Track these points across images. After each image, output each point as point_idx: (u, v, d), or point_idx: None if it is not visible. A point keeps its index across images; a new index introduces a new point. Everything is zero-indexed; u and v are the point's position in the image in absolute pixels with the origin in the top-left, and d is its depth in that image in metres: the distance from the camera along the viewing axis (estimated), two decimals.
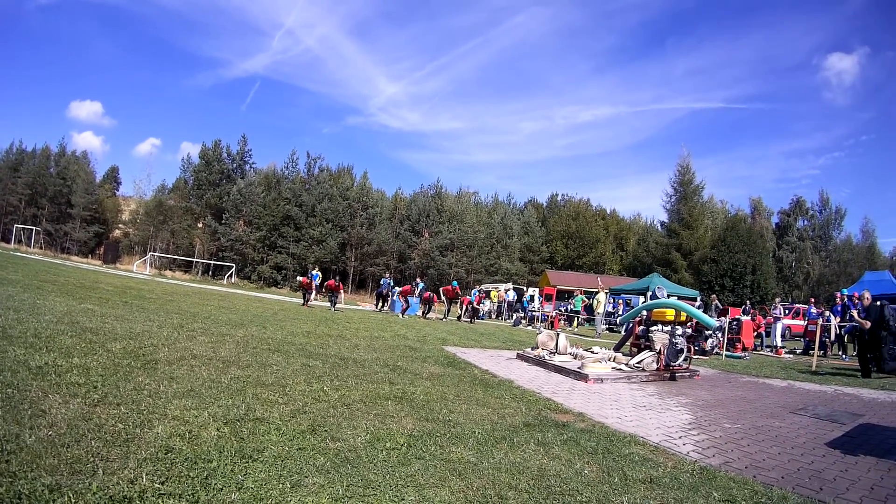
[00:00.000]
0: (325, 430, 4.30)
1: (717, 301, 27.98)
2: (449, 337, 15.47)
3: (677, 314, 11.40)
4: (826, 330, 20.46)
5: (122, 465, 3.09)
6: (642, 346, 11.46)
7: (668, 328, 11.27)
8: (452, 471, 3.95)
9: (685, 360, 11.28)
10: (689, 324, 11.60)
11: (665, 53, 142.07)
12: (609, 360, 11.20)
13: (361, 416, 4.99)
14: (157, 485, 2.95)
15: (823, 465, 5.50)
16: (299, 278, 17.34)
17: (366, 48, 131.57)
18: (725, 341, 18.43)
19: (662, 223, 71.75)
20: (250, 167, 64.92)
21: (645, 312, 12.30)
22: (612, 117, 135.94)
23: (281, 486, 3.06)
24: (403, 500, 3.28)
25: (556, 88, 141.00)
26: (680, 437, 6.18)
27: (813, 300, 30.65)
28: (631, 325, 13.11)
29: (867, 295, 13.41)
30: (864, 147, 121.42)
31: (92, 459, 3.10)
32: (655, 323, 11.60)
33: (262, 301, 23.45)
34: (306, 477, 3.24)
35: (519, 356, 12.01)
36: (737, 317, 22.92)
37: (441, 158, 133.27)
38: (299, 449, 3.74)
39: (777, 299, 28.50)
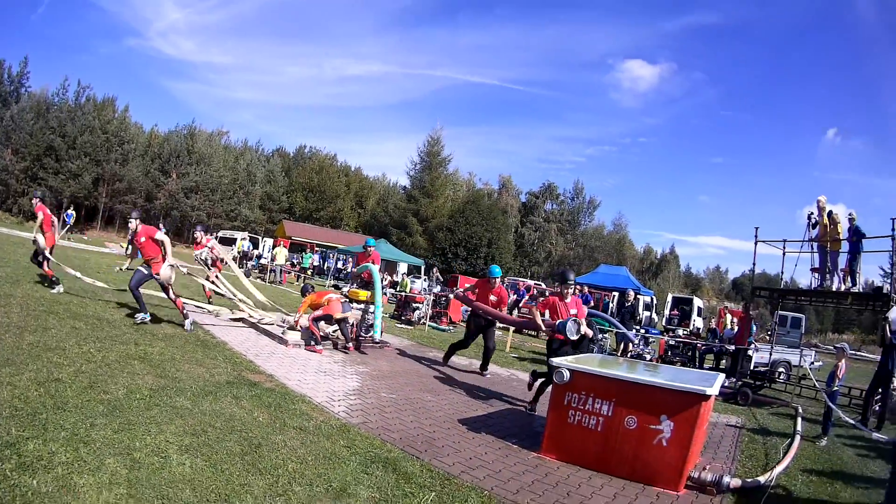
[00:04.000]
0: (99, 386, 6.08)
1: (437, 273, 31.05)
2: (183, 290, 16.17)
3: (371, 296, 13.02)
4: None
5: None
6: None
7: (363, 306, 13.08)
8: (177, 414, 5.71)
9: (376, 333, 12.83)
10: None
11: (455, 25, 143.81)
12: None
13: (119, 373, 6.77)
14: (22, 433, 4.50)
15: (443, 435, 6.88)
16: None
17: None
18: (430, 313, 20.45)
19: (404, 188, 74.33)
20: (25, 90, 61.17)
21: (345, 289, 14.31)
22: (383, 75, 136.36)
23: (85, 424, 4.90)
24: (150, 432, 5.04)
25: (334, 39, 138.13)
26: (339, 401, 7.69)
27: (522, 283, 34.59)
28: None
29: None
30: (640, 147, 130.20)
31: None
32: (352, 300, 13.13)
33: (25, 244, 23.05)
34: (97, 419, 5.08)
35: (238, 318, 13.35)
36: (452, 291, 25.75)
37: (206, 91, 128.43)
38: (87, 401, 5.54)
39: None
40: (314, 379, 8.91)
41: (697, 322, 35.78)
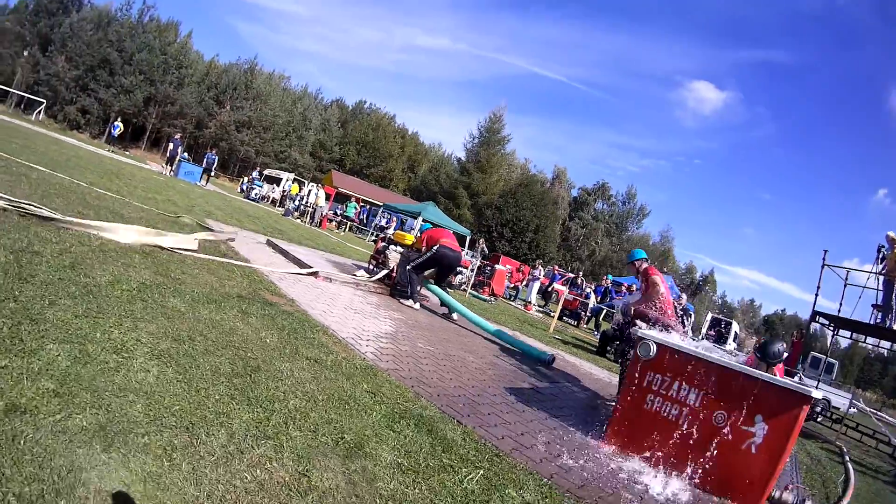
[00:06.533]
0: (81, 268, 5.05)
1: (484, 245, 30.19)
2: (216, 211, 16.14)
3: (416, 242, 12.10)
4: (584, 306, 22.72)
5: None
6: (380, 261, 12.18)
7: (404, 250, 11.99)
8: (164, 314, 4.61)
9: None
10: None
11: (526, 14, 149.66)
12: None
13: (112, 262, 5.69)
14: None
15: (488, 401, 5.74)
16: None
17: None
18: (473, 281, 19.83)
19: (459, 159, 74.27)
20: (88, 2, 60.86)
21: (389, 232, 13.41)
22: (450, 51, 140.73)
23: (41, 303, 3.86)
24: (122, 325, 3.98)
25: (408, 7, 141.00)
26: (367, 341, 6.50)
27: (557, 269, 33.63)
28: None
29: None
30: (692, 168, 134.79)
31: None
32: (395, 243, 12.43)
33: (59, 143, 23.02)
34: (60, 299, 4.06)
35: (269, 242, 12.66)
36: (495, 265, 24.90)
37: (273, 37, 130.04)
38: (60, 279, 4.52)
39: (538, 262, 30.86)
40: (342, 314, 7.72)
41: (731, 346, 34.39)
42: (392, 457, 3.54)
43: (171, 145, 31.93)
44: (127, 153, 45.34)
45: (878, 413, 25.04)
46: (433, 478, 3.45)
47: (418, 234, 12.54)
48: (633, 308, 8.65)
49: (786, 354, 6.33)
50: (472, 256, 25.51)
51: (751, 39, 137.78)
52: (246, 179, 43.11)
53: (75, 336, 3.56)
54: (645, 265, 8.73)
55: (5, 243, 4.96)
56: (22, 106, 51.78)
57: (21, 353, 3.07)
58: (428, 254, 11.10)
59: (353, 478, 3.11)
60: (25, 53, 55.35)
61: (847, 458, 10.08)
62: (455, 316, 11.19)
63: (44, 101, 49.51)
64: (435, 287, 11.56)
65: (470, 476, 3.64)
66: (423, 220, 27.72)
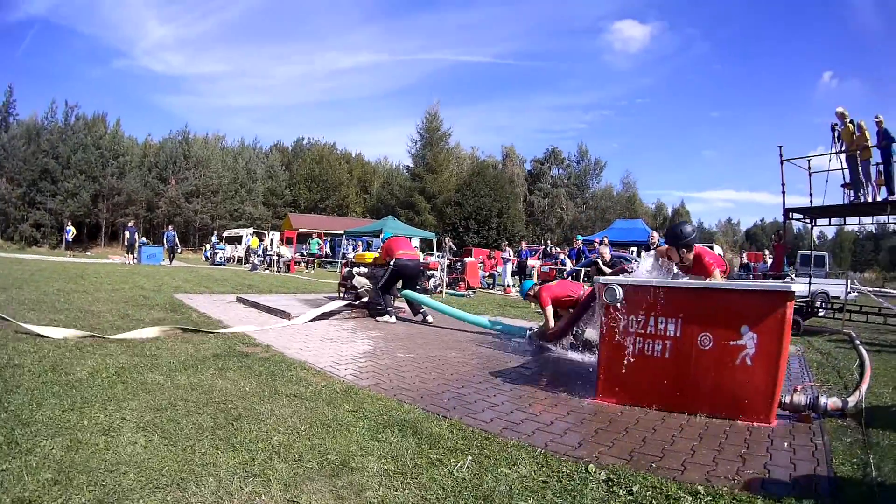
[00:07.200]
0: (62, 369, 5.33)
1: (451, 243, 30.47)
2: (184, 284, 16.40)
3: (379, 256, 12.12)
4: (561, 272, 22.82)
5: None
6: (348, 287, 12.26)
7: (367, 269, 12.13)
8: (145, 389, 4.88)
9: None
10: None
11: (437, 8, 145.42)
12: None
13: (89, 356, 5.98)
14: None
15: (473, 390, 5.83)
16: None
17: None
18: (447, 280, 19.93)
19: (408, 167, 73.49)
20: (14, 119, 60.23)
21: (350, 256, 13.52)
22: (374, 64, 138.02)
23: (29, 407, 4.13)
24: (107, 409, 4.25)
25: (321, 34, 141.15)
26: (346, 364, 6.69)
27: (524, 244, 34.03)
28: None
29: (606, 252, 14.22)
30: (637, 108, 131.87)
31: None
32: (357, 265, 12.48)
33: (21, 262, 23.50)
34: (47, 399, 4.32)
35: (238, 299, 12.84)
36: (465, 259, 25.15)
37: (199, 101, 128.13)
38: (43, 383, 4.79)
39: (504, 243, 31.11)
40: (318, 346, 7.94)
41: None
42: (378, 465, 3.71)
43: (126, 234, 32.18)
44: (88, 253, 45.45)
45: (880, 290, 25.26)
46: (422, 475, 3.60)
47: (379, 248, 12.73)
48: (546, 332, 9.02)
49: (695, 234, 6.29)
50: (442, 256, 25.62)
51: None
52: (207, 246, 43.25)
53: (65, 428, 3.83)
54: (532, 292, 9.45)
55: None
56: None
57: (18, 454, 3.34)
58: (389, 270, 11.26)
59: (341, 493, 3.30)
60: None
61: (858, 343, 10.17)
62: (430, 318, 11.32)
63: None
64: (409, 292, 11.68)
65: (459, 465, 3.78)
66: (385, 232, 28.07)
